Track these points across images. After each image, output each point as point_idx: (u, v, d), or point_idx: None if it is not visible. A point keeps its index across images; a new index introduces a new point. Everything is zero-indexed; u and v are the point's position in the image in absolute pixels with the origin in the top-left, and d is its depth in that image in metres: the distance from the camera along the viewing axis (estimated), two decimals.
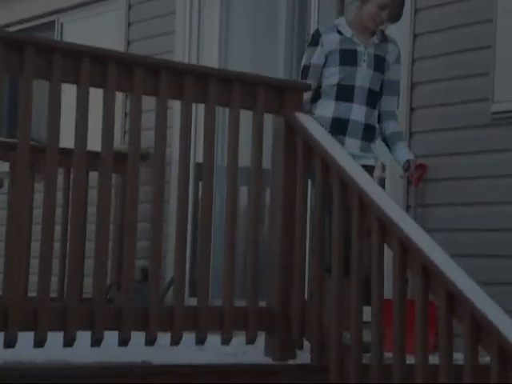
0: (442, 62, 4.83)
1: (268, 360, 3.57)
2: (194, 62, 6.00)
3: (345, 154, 3.65)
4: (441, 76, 4.85)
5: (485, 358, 2.93)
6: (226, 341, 3.48)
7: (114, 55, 3.41)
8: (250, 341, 3.54)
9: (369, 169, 3.98)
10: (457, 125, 4.72)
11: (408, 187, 4.90)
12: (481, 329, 2.90)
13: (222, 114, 5.10)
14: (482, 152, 4.59)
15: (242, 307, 3.55)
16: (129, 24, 6.54)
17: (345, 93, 4.07)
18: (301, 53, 5.79)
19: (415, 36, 4.93)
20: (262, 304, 3.67)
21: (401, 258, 3.25)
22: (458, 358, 3.02)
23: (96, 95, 3.29)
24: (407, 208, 4.87)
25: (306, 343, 3.58)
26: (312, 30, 5.66)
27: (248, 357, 3.62)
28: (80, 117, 3.23)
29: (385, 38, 4.20)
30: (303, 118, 3.74)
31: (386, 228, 3.32)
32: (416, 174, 4.76)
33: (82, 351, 3.17)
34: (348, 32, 4.14)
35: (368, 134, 4.11)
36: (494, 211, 4.48)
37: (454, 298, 3.01)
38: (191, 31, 6.09)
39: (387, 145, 4.26)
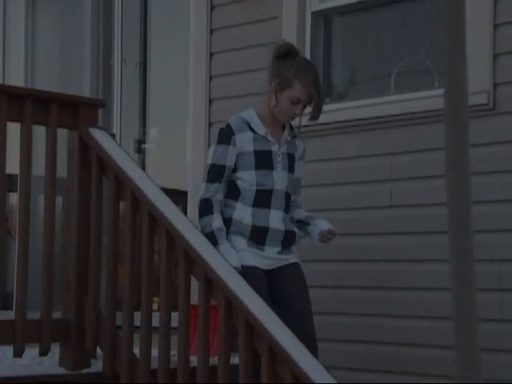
0: (235, 82, 5.10)
1: (62, 370, 3.66)
2: None
3: (136, 169, 3.79)
4: (236, 94, 5.10)
5: None
6: (18, 353, 3.54)
7: None
8: (44, 352, 3.61)
9: (294, 265, 3.77)
10: None
11: None
12: (253, 329, 3.12)
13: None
14: None
15: (36, 319, 3.62)
16: None
17: (262, 198, 3.72)
18: (106, 71, 5.92)
19: (211, 54, 5.19)
20: (58, 315, 3.75)
21: (187, 269, 3.44)
22: None
23: None
24: None
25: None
26: (119, 55, 5.83)
27: (42, 368, 3.69)
28: None
29: (293, 134, 3.88)
30: (97, 134, 3.85)
31: (174, 240, 3.50)
32: None
33: None
34: (261, 129, 3.75)
35: (288, 240, 3.78)
36: None
37: (233, 306, 3.22)
38: None
39: (302, 226, 3.90)
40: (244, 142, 3.71)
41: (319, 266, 4.64)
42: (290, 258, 3.78)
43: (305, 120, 4.81)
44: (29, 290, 3.59)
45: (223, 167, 3.72)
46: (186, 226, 3.55)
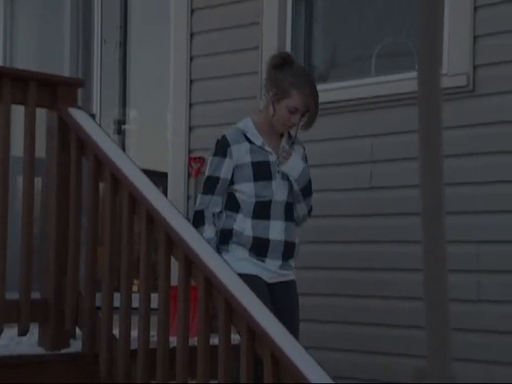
0: (215, 61, 5.10)
1: (41, 350, 3.66)
2: None
3: (116, 150, 3.77)
4: (217, 74, 5.09)
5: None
6: None
7: None
8: (23, 332, 3.60)
9: (291, 283, 3.78)
10: (230, 120, 4.96)
11: (188, 179, 5.12)
12: (232, 310, 3.13)
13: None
14: None
15: (15, 300, 3.61)
16: None
17: (261, 209, 3.69)
18: (87, 51, 5.89)
19: (192, 35, 5.16)
20: (37, 295, 3.75)
21: (167, 251, 3.44)
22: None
23: None
24: (188, 198, 5.10)
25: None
26: (99, 36, 5.79)
27: (21, 348, 3.68)
28: None
29: (291, 141, 3.84)
30: (76, 114, 3.83)
31: (154, 221, 3.50)
32: (196, 167, 5.04)
33: None
34: (258, 139, 3.73)
35: (288, 251, 3.75)
36: None
37: (213, 287, 3.23)
38: None
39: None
40: (241, 153, 3.69)
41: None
42: (289, 274, 3.76)
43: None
44: (7, 270, 3.58)
45: (217, 179, 3.70)
46: (167, 206, 3.54)
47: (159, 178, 5.23)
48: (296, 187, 3.77)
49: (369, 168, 4.54)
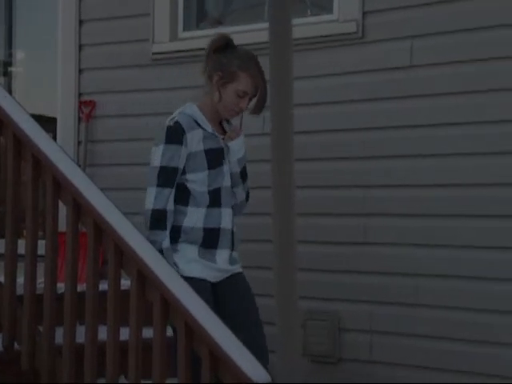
0: (106, 1, 4.99)
1: None
2: None
3: (15, 105, 3.62)
4: (108, 15, 4.98)
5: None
6: None
7: None
8: None
9: (239, 274, 3.57)
10: (122, 63, 4.89)
11: (79, 124, 5.02)
12: (124, 254, 3.11)
13: None
14: (142, 91, 4.83)
15: None
16: None
17: (215, 198, 3.48)
18: None
19: None
20: None
21: (55, 195, 3.38)
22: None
23: None
24: (78, 144, 5.01)
25: None
26: None
27: None
28: None
29: (229, 124, 3.65)
30: None
31: (41, 164, 3.42)
32: (86, 111, 4.95)
33: None
34: (208, 126, 3.49)
35: (233, 240, 3.56)
36: None
37: (103, 231, 3.19)
38: None
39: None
40: (194, 140, 3.44)
41: None
42: (236, 268, 3.58)
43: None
44: None
45: (175, 170, 3.41)
46: (54, 150, 3.46)
47: (48, 123, 5.11)
48: (237, 169, 3.60)
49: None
